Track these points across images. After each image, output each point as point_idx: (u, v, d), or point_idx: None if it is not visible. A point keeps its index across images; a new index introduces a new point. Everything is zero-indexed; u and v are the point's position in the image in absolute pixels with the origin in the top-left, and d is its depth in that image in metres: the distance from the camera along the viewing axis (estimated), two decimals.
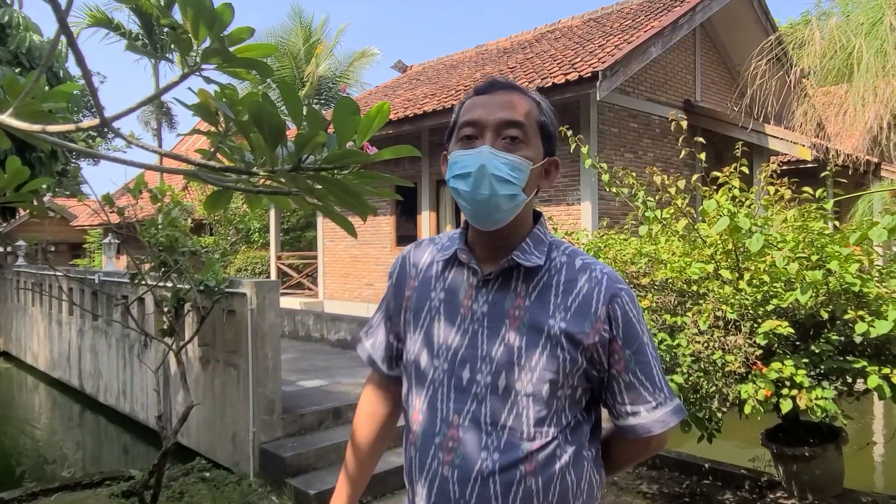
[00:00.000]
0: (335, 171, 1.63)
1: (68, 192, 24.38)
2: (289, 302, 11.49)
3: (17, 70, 8.14)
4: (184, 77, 1.55)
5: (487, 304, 1.18)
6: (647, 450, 1.30)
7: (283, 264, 13.48)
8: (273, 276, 13.41)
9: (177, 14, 1.46)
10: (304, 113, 1.53)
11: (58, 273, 7.85)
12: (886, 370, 3.09)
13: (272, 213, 13.59)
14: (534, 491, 1.12)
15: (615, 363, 1.18)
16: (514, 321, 1.16)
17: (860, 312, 3.09)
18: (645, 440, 1.24)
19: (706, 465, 4.66)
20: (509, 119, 1.17)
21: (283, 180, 1.67)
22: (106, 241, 14.11)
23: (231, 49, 1.51)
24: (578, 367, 1.15)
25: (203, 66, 1.52)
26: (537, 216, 1.27)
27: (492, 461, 1.12)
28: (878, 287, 3.24)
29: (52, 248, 23.14)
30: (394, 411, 1.42)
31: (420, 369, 1.24)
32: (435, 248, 1.32)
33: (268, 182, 1.74)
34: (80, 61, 1.36)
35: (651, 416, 1.20)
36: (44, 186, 1.97)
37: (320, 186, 1.67)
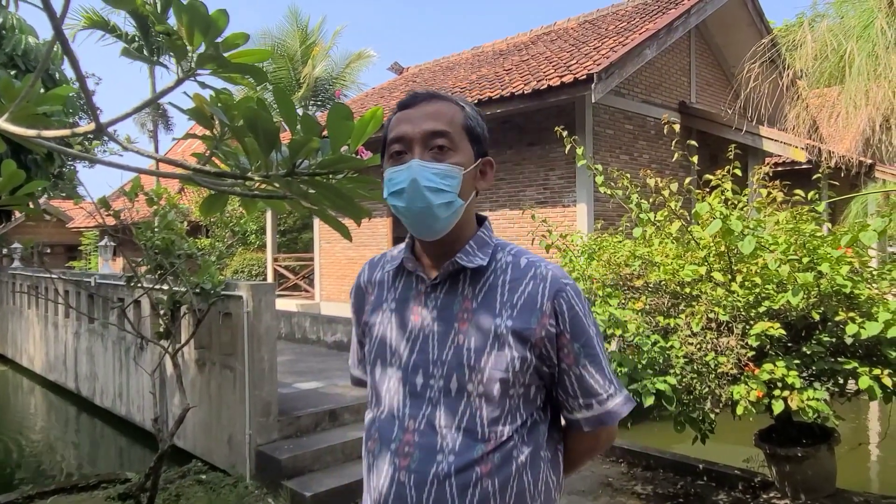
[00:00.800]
0: (329, 176, 1.65)
1: (64, 195, 24.33)
2: (285, 304, 11.49)
3: (13, 73, 8.14)
4: (179, 82, 1.56)
5: (436, 308, 1.21)
6: (597, 444, 1.32)
7: (280, 266, 13.49)
8: (270, 278, 13.41)
9: (172, 19, 1.48)
10: (299, 118, 1.55)
11: (53, 276, 7.84)
12: (877, 371, 3.12)
13: (268, 215, 13.60)
14: (490, 493, 1.13)
15: (564, 357, 1.20)
16: (462, 323, 1.18)
17: (851, 314, 3.12)
18: (594, 434, 1.27)
19: (700, 466, 4.68)
20: (434, 129, 1.19)
21: (277, 185, 1.69)
22: (102, 243, 14.10)
23: (226, 54, 1.52)
24: (528, 364, 1.17)
25: (198, 72, 1.54)
26: (482, 220, 1.30)
27: (447, 464, 1.13)
28: (868, 289, 3.27)
29: (48, 251, 23.08)
30: None
31: (376, 379, 1.26)
32: (386, 262, 1.36)
33: (263, 186, 1.76)
34: (76, 67, 1.38)
35: (603, 407, 1.23)
36: (39, 189, 1.99)
37: (314, 191, 1.69)
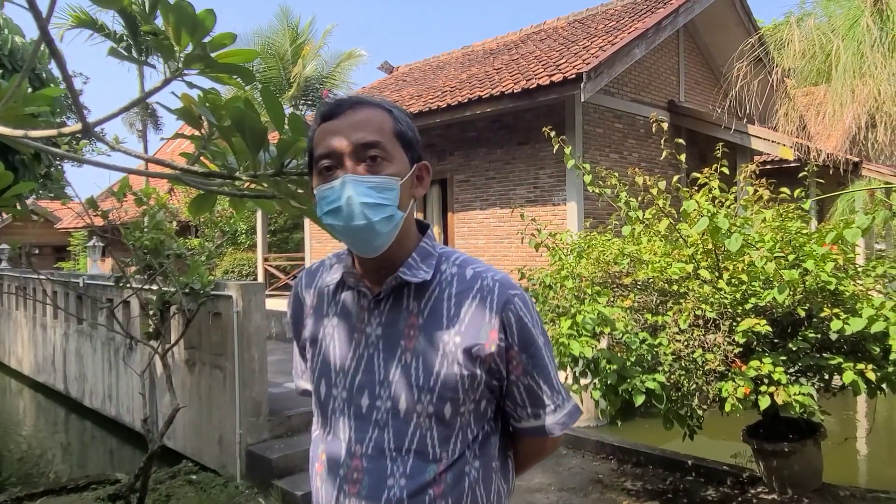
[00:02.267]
0: None
1: (52, 195, 24.16)
2: (276, 304, 11.45)
3: (0, 72, 8.06)
4: (166, 82, 1.56)
5: (381, 325, 1.15)
6: (542, 450, 1.31)
7: (271, 266, 13.44)
8: (260, 278, 13.36)
9: (159, 20, 1.48)
10: (287, 117, 1.55)
11: (42, 277, 7.78)
12: (861, 366, 3.16)
13: (259, 214, 13.55)
14: None
15: (514, 369, 1.16)
16: (409, 341, 1.13)
17: (836, 310, 3.16)
18: (541, 441, 1.26)
19: (689, 462, 4.72)
20: (364, 141, 1.10)
21: (265, 184, 1.69)
22: (91, 244, 14.01)
23: (213, 54, 1.53)
24: (479, 380, 1.13)
25: (186, 71, 1.54)
26: (424, 228, 1.23)
27: (399, 488, 1.09)
28: (853, 285, 3.31)
29: (36, 252, 22.88)
30: None
31: (320, 400, 1.20)
32: (325, 273, 1.28)
33: (251, 186, 1.76)
34: (61, 67, 1.38)
35: (551, 418, 1.20)
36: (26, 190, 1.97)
37: (303, 191, 1.69)
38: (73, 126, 1.53)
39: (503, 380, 1.17)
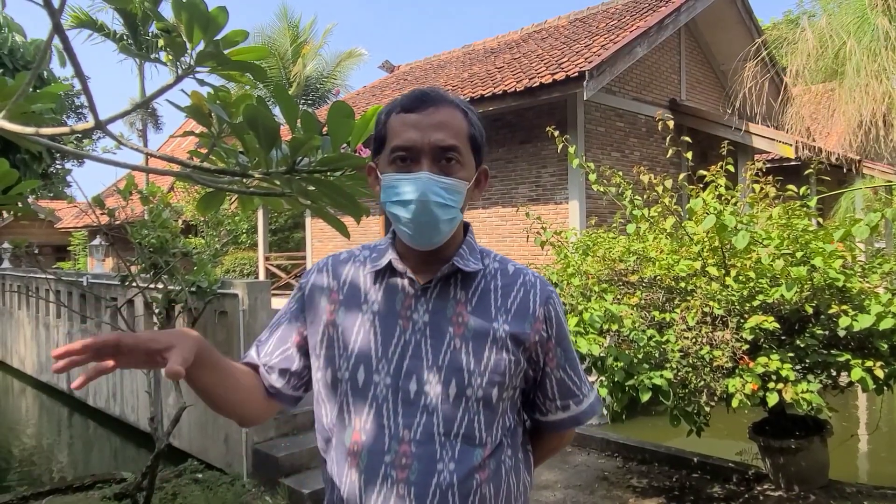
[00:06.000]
0: (329, 174, 1.65)
1: (52, 195, 24.16)
2: (278, 303, 11.44)
3: (0, 71, 8.06)
4: (179, 79, 1.56)
5: (428, 313, 1.18)
6: (560, 443, 1.40)
7: (272, 265, 13.44)
8: (261, 277, 13.36)
9: (168, 16, 1.48)
10: (300, 114, 1.55)
11: (48, 276, 7.78)
12: (869, 363, 3.16)
13: (260, 213, 13.55)
14: (488, 498, 1.14)
15: (549, 361, 1.24)
16: (458, 328, 1.17)
17: (844, 307, 3.16)
18: (559, 436, 1.35)
19: (695, 459, 4.72)
20: (445, 144, 1.15)
21: (277, 182, 1.68)
22: (94, 243, 14.01)
23: (225, 52, 1.52)
24: (521, 368, 1.20)
25: (196, 69, 1.54)
26: (465, 226, 1.29)
27: (448, 472, 1.12)
28: (860, 282, 3.31)
29: (36, 251, 22.88)
30: (262, 406, 1.36)
31: (358, 387, 1.18)
32: (357, 262, 1.30)
33: (257, 183, 1.76)
34: (75, 63, 1.38)
35: (579, 409, 1.29)
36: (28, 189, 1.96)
37: (314, 188, 1.69)
38: (86, 123, 1.53)
39: (538, 371, 1.25)
